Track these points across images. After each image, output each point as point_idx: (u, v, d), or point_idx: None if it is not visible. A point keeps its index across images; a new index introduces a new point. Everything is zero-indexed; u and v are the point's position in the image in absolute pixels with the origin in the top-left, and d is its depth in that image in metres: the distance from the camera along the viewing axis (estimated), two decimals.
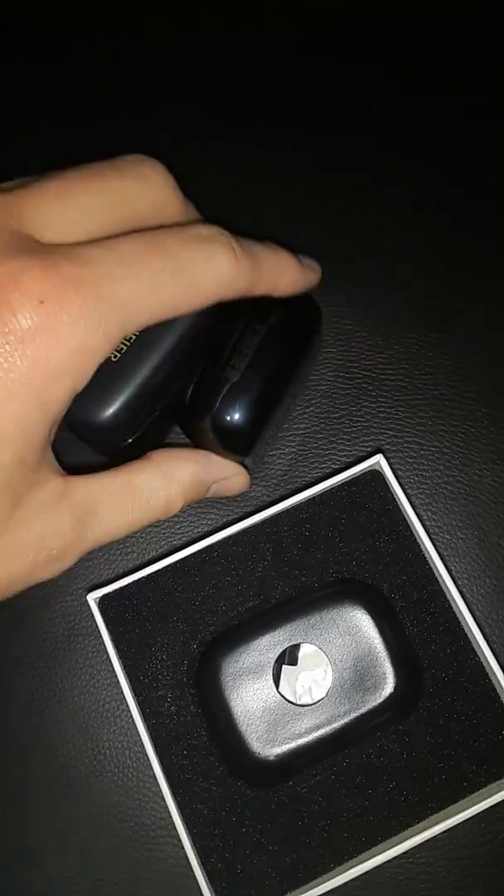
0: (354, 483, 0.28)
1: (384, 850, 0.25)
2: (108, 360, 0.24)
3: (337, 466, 0.30)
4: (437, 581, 0.27)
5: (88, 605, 0.27)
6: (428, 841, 0.25)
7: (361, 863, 0.25)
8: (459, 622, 0.27)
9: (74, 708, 0.29)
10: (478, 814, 0.25)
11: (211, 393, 0.25)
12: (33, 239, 0.21)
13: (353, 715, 0.26)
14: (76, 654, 0.29)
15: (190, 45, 0.35)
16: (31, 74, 0.35)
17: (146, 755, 0.26)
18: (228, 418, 0.25)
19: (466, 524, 0.29)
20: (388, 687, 0.26)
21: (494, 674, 0.26)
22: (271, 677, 0.26)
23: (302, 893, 0.25)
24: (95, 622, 0.27)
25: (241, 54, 0.35)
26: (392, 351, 0.31)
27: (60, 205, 0.21)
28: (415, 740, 0.26)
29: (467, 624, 0.26)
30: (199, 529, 0.30)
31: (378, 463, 0.28)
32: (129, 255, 0.21)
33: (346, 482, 0.28)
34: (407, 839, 0.25)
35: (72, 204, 0.22)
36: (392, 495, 0.28)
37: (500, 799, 0.25)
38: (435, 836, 0.25)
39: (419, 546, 0.27)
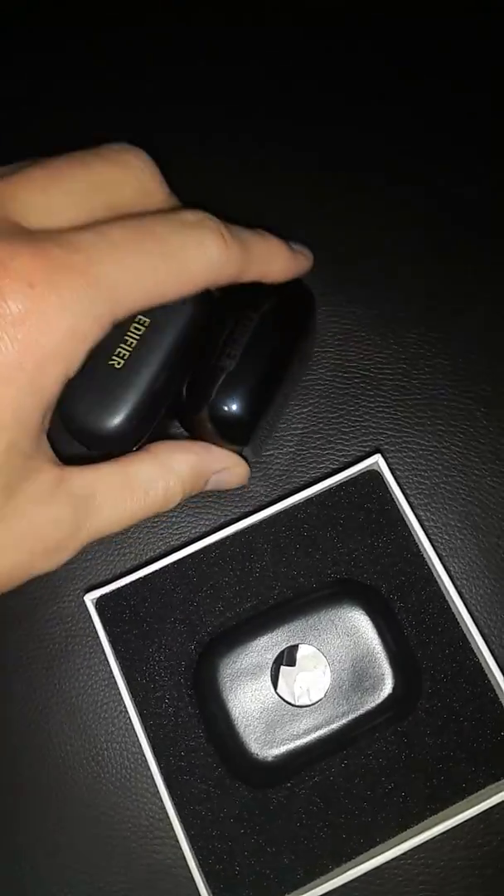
0: (353, 483, 0.28)
1: (383, 852, 0.25)
2: (111, 368, 0.24)
3: (335, 466, 0.30)
4: (436, 581, 0.27)
5: (86, 606, 0.27)
6: (427, 842, 0.25)
7: (360, 864, 0.25)
8: (458, 623, 0.27)
9: (72, 709, 0.29)
10: (477, 815, 0.25)
11: (207, 383, 0.25)
12: (20, 225, 0.21)
13: (352, 716, 0.26)
14: (73, 655, 0.29)
15: (190, 45, 0.35)
16: (31, 74, 0.35)
17: (144, 756, 0.26)
18: (225, 408, 0.25)
19: (465, 524, 0.29)
20: (387, 688, 0.26)
21: (493, 674, 0.26)
22: (269, 678, 0.26)
23: (300, 895, 0.25)
24: (93, 623, 0.27)
25: (241, 54, 0.35)
26: (391, 350, 0.31)
27: (45, 191, 0.22)
28: (413, 741, 0.26)
29: (466, 625, 0.26)
30: (197, 530, 0.30)
31: (376, 463, 0.28)
32: (119, 240, 0.21)
33: (344, 482, 0.28)
34: (406, 840, 0.25)
35: (56, 190, 0.22)
36: (390, 495, 0.28)
37: (500, 800, 0.25)
38: (434, 837, 0.25)
39: (418, 546, 0.27)
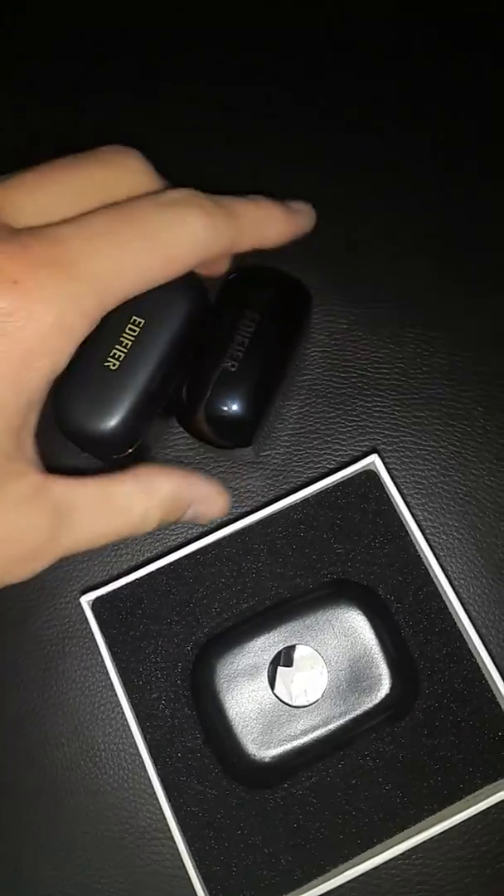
0: (349, 483, 0.28)
1: (380, 852, 0.25)
2: (106, 369, 0.24)
3: (332, 466, 0.30)
4: (433, 582, 0.27)
5: (82, 608, 0.27)
6: (425, 842, 0.25)
7: (358, 864, 0.25)
8: (455, 623, 0.27)
9: (69, 711, 0.29)
10: (474, 815, 0.25)
11: (208, 384, 0.25)
12: (8, 226, 0.21)
13: (349, 716, 0.26)
14: (70, 656, 0.29)
15: (189, 45, 0.35)
16: (31, 74, 0.35)
17: (141, 758, 0.26)
18: (226, 408, 0.25)
19: (463, 524, 0.29)
20: (384, 688, 0.26)
21: (490, 675, 0.26)
22: (266, 679, 0.26)
23: (298, 895, 0.25)
24: (89, 625, 0.27)
25: (243, 51, 0.34)
26: (388, 350, 0.31)
27: (35, 193, 0.21)
28: (410, 742, 0.26)
29: (463, 625, 0.26)
30: (193, 530, 0.30)
31: (373, 463, 0.28)
32: (98, 229, 0.21)
33: (340, 482, 0.28)
34: (403, 841, 0.25)
35: (48, 192, 0.22)
36: (387, 495, 0.28)
37: (497, 800, 0.25)
38: (432, 838, 0.25)
39: (415, 547, 0.27)
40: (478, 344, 0.31)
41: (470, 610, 0.29)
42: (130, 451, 0.25)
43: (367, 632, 0.26)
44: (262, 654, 0.26)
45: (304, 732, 0.26)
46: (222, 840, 0.26)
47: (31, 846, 0.28)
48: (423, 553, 0.27)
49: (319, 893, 0.25)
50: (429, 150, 0.33)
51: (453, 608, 0.26)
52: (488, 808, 0.25)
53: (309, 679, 0.26)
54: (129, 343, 0.24)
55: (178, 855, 0.25)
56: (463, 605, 0.27)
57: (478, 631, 0.26)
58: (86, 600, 0.27)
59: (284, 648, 0.26)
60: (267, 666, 0.26)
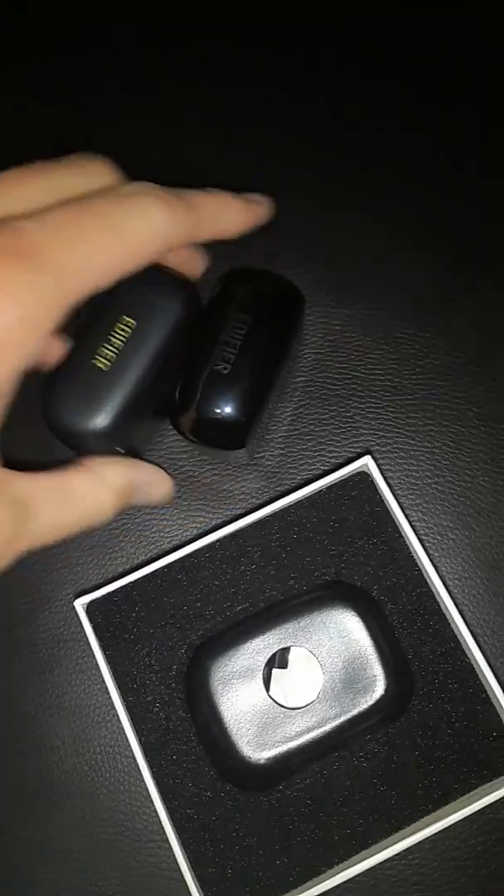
0: (343, 485, 0.28)
1: (376, 853, 0.25)
2: (96, 369, 0.24)
3: (326, 468, 0.30)
4: (427, 583, 0.27)
5: (76, 611, 0.27)
6: (420, 843, 0.25)
7: (353, 865, 0.25)
8: (449, 624, 0.27)
9: (64, 714, 0.29)
10: (469, 815, 0.25)
11: (201, 386, 0.25)
12: None
13: (344, 718, 0.26)
14: (65, 660, 0.29)
15: (189, 45, 0.35)
16: (31, 74, 0.35)
17: (136, 760, 0.26)
18: (218, 410, 0.25)
19: (457, 525, 0.29)
20: (379, 689, 0.26)
21: (484, 675, 0.26)
22: (261, 681, 0.26)
23: None
24: (83, 628, 0.27)
25: (241, 52, 0.34)
26: (381, 351, 0.31)
27: (3, 195, 0.22)
28: (405, 742, 0.26)
29: (457, 626, 0.26)
30: (187, 533, 0.30)
31: (366, 464, 0.28)
32: (60, 220, 0.21)
33: (334, 484, 0.28)
34: (399, 841, 0.25)
35: (14, 193, 0.22)
36: (381, 497, 0.28)
37: (492, 800, 0.25)
38: (427, 838, 0.25)
39: (408, 548, 0.27)
40: (471, 345, 0.31)
41: (464, 610, 0.29)
42: (122, 451, 0.25)
43: (361, 633, 0.26)
44: (256, 656, 0.26)
45: (300, 734, 0.26)
46: (217, 842, 0.26)
47: (27, 849, 0.28)
48: (417, 554, 0.27)
49: (315, 894, 0.25)
50: (428, 150, 0.33)
51: (447, 609, 0.26)
52: (483, 808, 0.25)
53: (304, 681, 0.26)
54: (121, 344, 0.24)
55: (174, 857, 0.25)
56: (457, 605, 0.27)
57: (472, 631, 0.26)
58: (80, 604, 0.27)
59: (279, 650, 0.26)
60: (262, 668, 0.26)
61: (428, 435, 0.30)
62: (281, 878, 0.25)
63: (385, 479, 0.27)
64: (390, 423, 0.30)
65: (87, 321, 0.25)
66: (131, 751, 0.27)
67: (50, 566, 0.30)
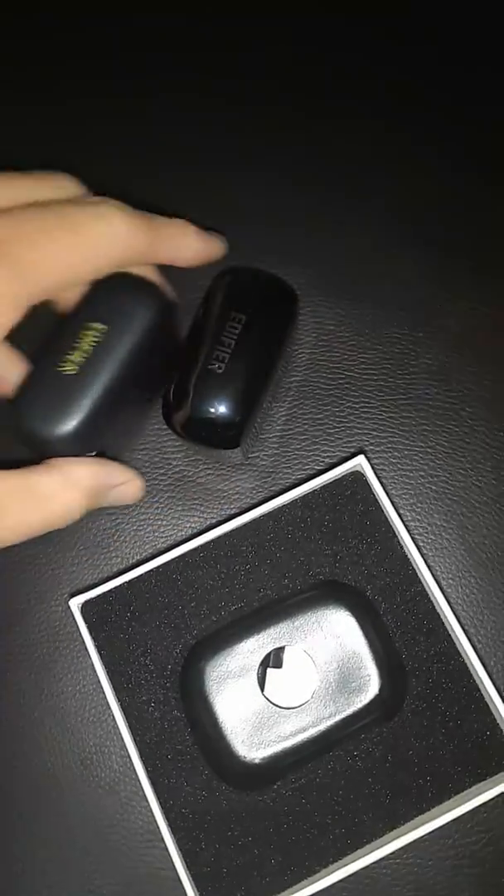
0: (337, 485, 0.28)
1: (371, 852, 0.25)
2: (64, 374, 0.24)
3: (320, 468, 0.30)
4: (421, 582, 0.27)
5: (71, 611, 0.27)
6: (415, 841, 0.25)
7: (348, 864, 0.25)
8: (443, 623, 0.27)
9: (59, 714, 0.29)
10: (464, 814, 0.25)
11: (194, 386, 0.25)
12: None
13: (338, 717, 0.26)
14: (60, 660, 0.29)
15: (189, 44, 0.35)
16: (32, 74, 0.35)
17: (131, 760, 0.26)
18: (212, 410, 0.25)
19: (451, 524, 0.29)
20: (373, 689, 0.26)
21: (478, 674, 0.26)
22: (256, 680, 0.26)
23: (289, 895, 0.25)
24: (78, 628, 0.27)
25: (238, 55, 0.34)
26: (375, 351, 0.31)
27: None
28: (400, 742, 0.26)
29: (451, 625, 0.26)
30: (182, 533, 0.30)
31: (360, 464, 0.28)
32: (22, 217, 0.22)
33: (328, 484, 0.28)
34: (393, 840, 0.25)
35: None
36: (374, 496, 0.28)
37: (486, 799, 0.25)
38: (422, 837, 0.25)
39: (402, 547, 0.27)
40: (465, 345, 0.31)
41: (457, 610, 0.29)
42: (94, 455, 0.25)
43: (355, 633, 0.26)
44: (251, 656, 0.26)
45: (294, 733, 0.26)
46: (213, 841, 0.26)
47: (22, 849, 0.28)
48: (411, 553, 0.27)
49: (310, 893, 0.25)
50: (422, 150, 0.33)
51: (441, 608, 0.27)
52: (477, 807, 0.25)
53: (298, 680, 0.26)
54: (91, 349, 0.24)
55: (169, 856, 0.25)
56: (450, 605, 0.27)
57: (465, 631, 0.27)
58: (75, 603, 0.27)
59: (274, 650, 0.26)
60: (256, 667, 0.26)
61: (422, 434, 0.30)
62: (276, 877, 0.25)
63: (379, 478, 0.28)
64: (384, 422, 0.30)
65: (57, 328, 0.24)
66: (126, 750, 0.27)
67: (45, 566, 0.30)
